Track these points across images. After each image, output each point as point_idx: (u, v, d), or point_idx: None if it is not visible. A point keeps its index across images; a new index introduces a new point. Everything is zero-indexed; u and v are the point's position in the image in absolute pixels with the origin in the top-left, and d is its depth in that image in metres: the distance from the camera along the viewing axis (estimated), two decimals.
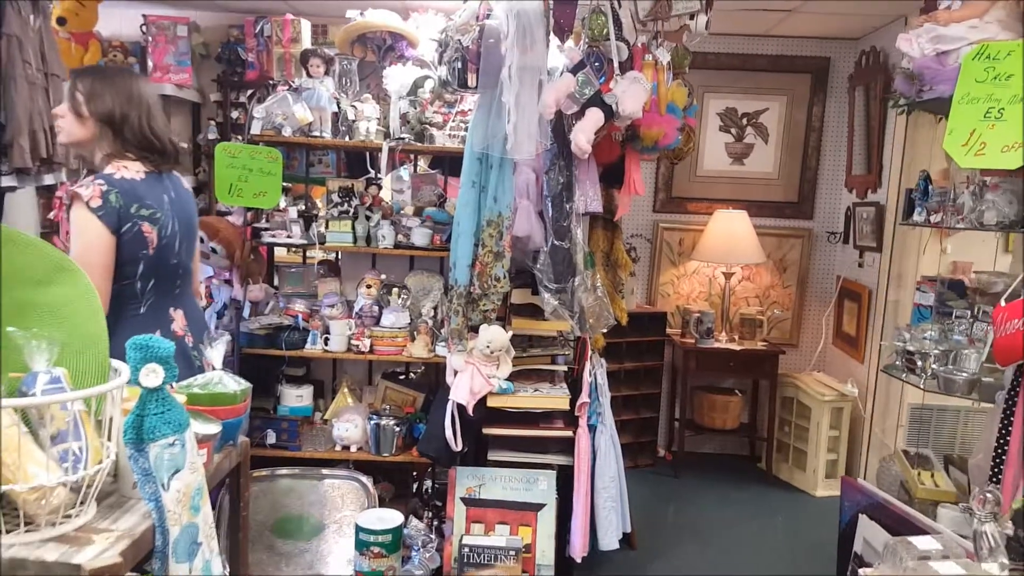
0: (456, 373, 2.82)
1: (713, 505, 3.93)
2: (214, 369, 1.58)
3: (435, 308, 3.08)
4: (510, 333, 2.80)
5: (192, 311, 2.13)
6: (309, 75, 3.02)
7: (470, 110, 3.10)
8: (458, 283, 2.78)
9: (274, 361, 3.11)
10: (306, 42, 3.15)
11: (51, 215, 3.81)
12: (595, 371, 2.95)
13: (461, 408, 2.77)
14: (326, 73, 3.04)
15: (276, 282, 3.39)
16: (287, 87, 3.00)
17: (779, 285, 4.54)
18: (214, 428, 1.52)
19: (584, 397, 2.81)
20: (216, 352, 1.57)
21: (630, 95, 2.48)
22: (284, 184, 4.12)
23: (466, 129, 3.00)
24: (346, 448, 3.07)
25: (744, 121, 4.55)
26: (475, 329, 2.83)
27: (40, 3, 2.84)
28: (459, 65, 2.63)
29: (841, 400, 4.04)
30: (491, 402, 2.81)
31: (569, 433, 2.84)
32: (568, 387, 2.92)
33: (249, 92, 3.34)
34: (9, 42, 2.64)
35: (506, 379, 2.82)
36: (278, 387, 3.12)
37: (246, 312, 3.04)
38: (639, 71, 2.56)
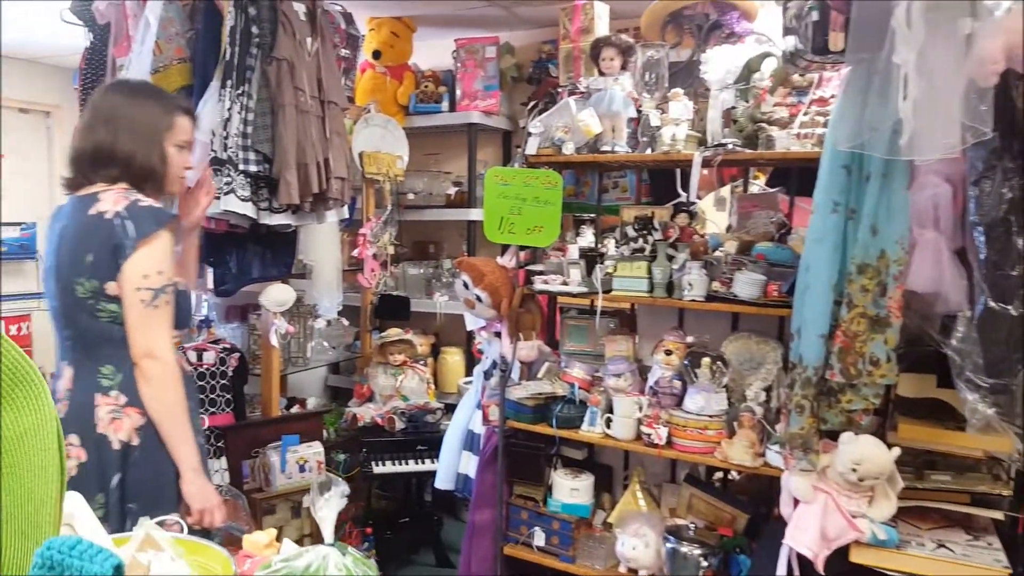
0: (796, 504, 1.79)
1: None
2: (322, 543, 0.88)
3: (767, 391, 2.08)
4: (896, 451, 1.69)
5: None
6: (601, 72, 2.29)
7: (832, 97, 2.07)
8: (803, 361, 1.75)
9: (546, 438, 2.43)
10: (601, 31, 2.44)
11: (355, 253, 3.71)
12: None
13: (804, 560, 1.74)
14: (623, 67, 2.28)
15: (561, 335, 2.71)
16: (573, 92, 2.31)
17: None
18: None
19: None
20: (327, 510, 0.86)
21: None
22: (586, 216, 3.50)
23: (825, 125, 1.98)
24: (633, 572, 2.23)
25: None
26: (832, 436, 1.78)
27: (319, 24, 2.58)
28: (814, 18, 1.66)
29: None
30: (857, 556, 1.73)
31: None
32: (1003, 544, 1.70)
33: (529, 104, 2.73)
34: (279, 67, 2.38)
35: (886, 522, 1.72)
36: (550, 472, 2.42)
37: (515, 374, 2.40)
38: None
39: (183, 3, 2.28)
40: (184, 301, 1.72)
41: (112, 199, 1.59)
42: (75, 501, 0.75)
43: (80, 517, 0.74)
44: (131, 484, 1.58)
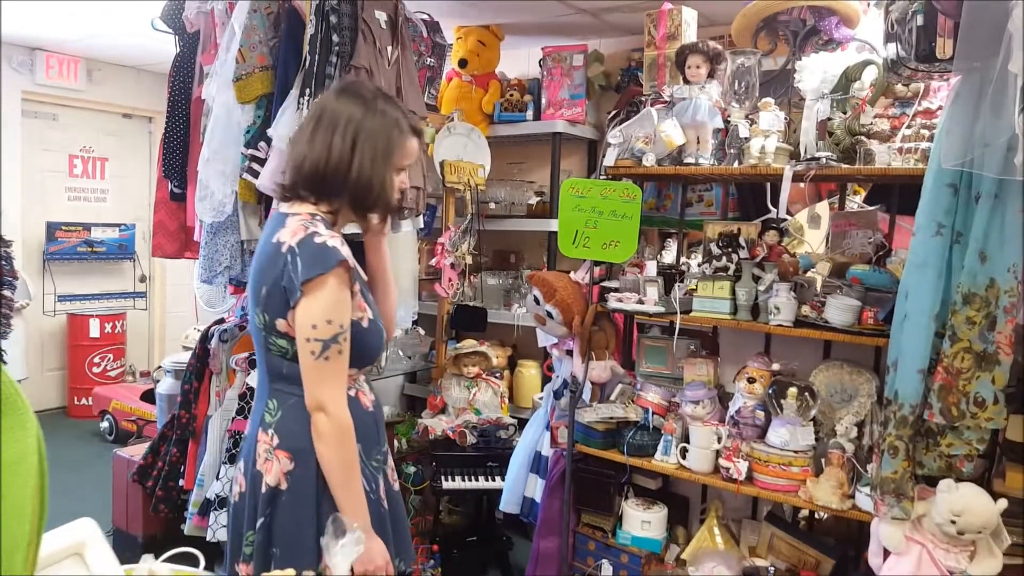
0: (887, 553, 1.63)
1: None
2: None
3: (859, 427, 1.91)
4: (1003, 502, 1.51)
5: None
6: (687, 80, 2.18)
7: (939, 108, 1.89)
8: (899, 398, 1.60)
9: (617, 465, 2.33)
10: (689, 38, 2.33)
11: (433, 262, 3.72)
12: None
13: None
14: (710, 76, 2.16)
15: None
16: (656, 102, 2.21)
17: None
18: None
19: None
20: (341, 557, 0.82)
21: None
22: (672, 230, 3.36)
23: (930, 139, 1.81)
24: None
25: None
26: (930, 482, 1.61)
27: (400, 32, 2.59)
28: (919, 22, 1.51)
29: None
30: None
31: None
32: None
33: (611, 114, 2.64)
34: (358, 75, 2.40)
35: None
36: (620, 502, 2.31)
37: (586, 395, 2.32)
38: None
39: (268, 11, 2.33)
40: (368, 337, 1.49)
41: (293, 228, 1.40)
42: (89, 528, 0.73)
43: (92, 546, 0.72)
44: (275, 529, 1.45)
